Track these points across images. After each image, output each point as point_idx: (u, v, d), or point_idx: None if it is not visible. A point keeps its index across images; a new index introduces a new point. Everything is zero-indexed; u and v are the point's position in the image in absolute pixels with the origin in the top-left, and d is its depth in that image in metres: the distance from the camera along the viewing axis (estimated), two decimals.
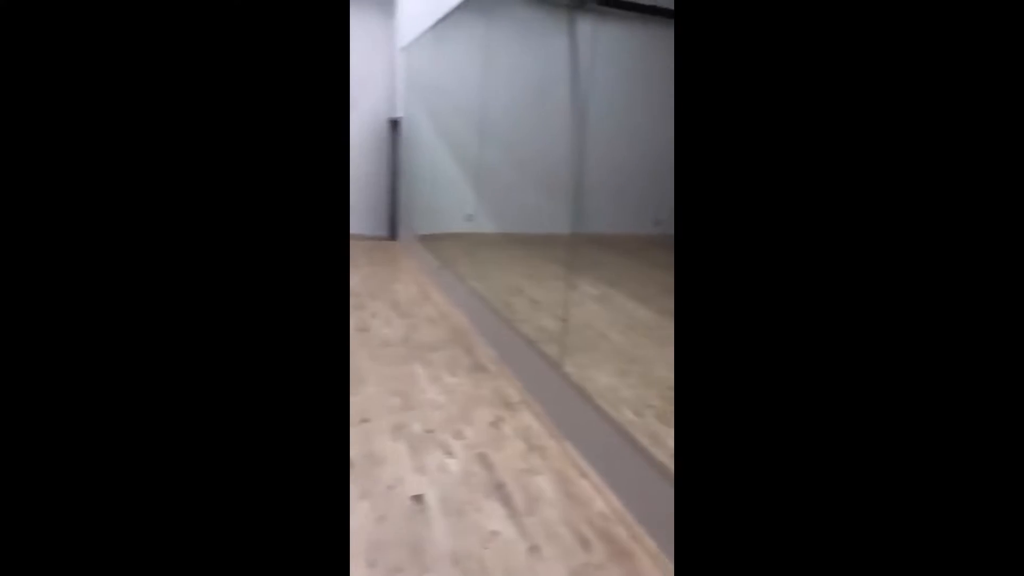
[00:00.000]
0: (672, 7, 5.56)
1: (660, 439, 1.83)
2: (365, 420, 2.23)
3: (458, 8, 4.09)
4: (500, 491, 1.83)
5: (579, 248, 5.43)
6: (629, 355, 2.63)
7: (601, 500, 1.82)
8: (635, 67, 6.36)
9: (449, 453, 2.04)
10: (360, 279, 4.42)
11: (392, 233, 5.99)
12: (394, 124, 5.64)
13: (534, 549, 1.58)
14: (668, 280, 4.02)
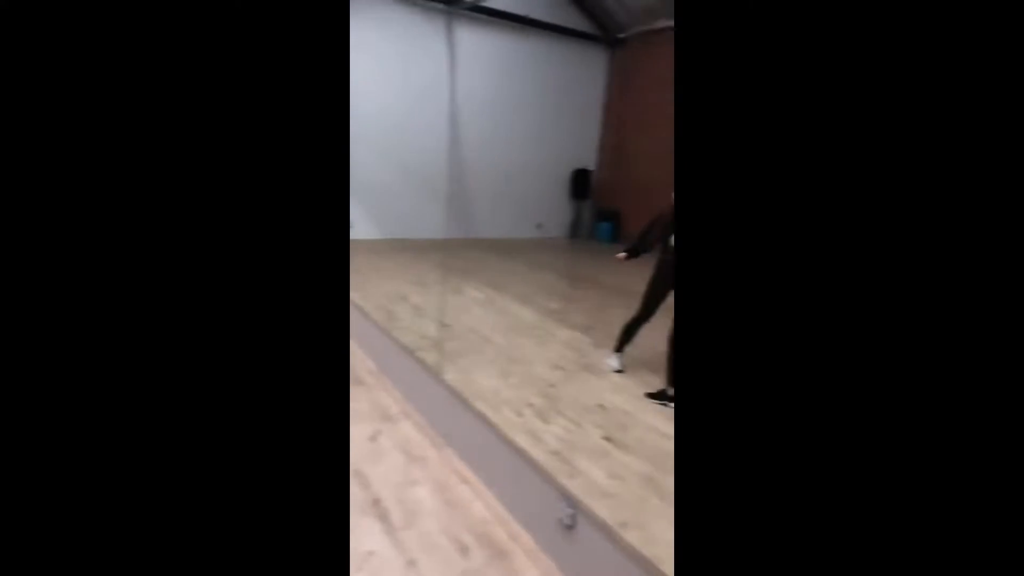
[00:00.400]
0: (536, 18, 5.68)
1: (539, 436, 1.87)
2: None
3: None
4: (377, 507, 1.75)
5: (464, 252, 5.43)
6: (511, 356, 2.66)
7: (481, 504, 1.81)
8: (515, 75, 6.52)
9: None
10: None
11: None
12: None
13: (411, 563, 1.52)
14: (549, 281, 4.17)
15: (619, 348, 2.53)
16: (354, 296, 3.45)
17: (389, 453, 2.08)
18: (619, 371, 2.52)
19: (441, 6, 5.77)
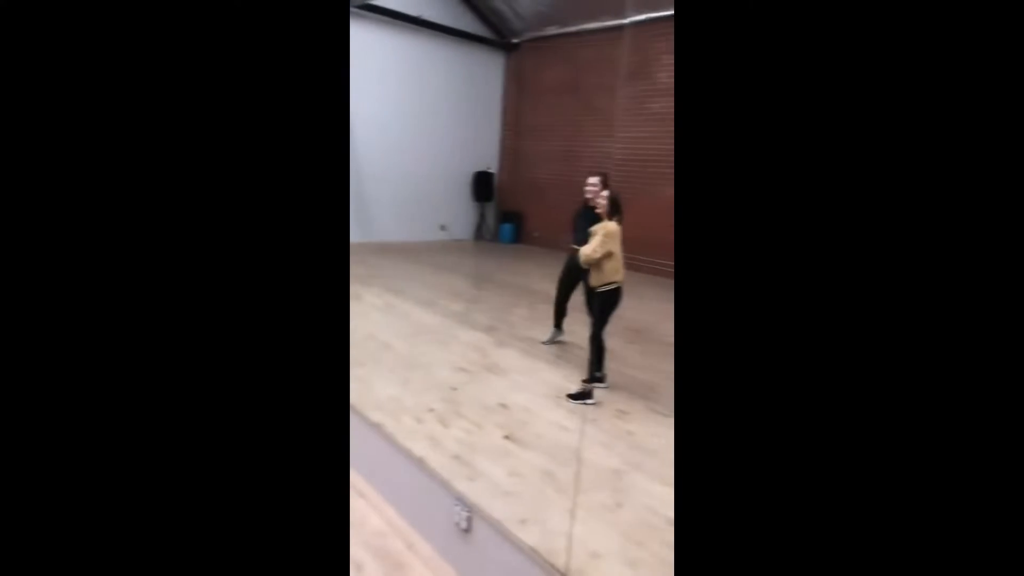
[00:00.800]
0: (438, 21, 5.62)
1: (439, 440, 1.84)
2: None
3: None
4: None
5: (364, 258, 5.25)
6: (412, 362, 2.60)
7: (377, 516, 1.75)
8: (414, 77, 6.42)
9: None
10: None
11: None
12: None
13: None
14: (452, 283, 4.11)
15: (557, 324, 2.91)
16: None
17: None
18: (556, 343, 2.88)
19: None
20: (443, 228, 6.93)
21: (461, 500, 1.49)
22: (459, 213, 7.06)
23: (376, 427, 1.92)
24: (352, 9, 5.71)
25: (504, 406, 2.16)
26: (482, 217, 7.17)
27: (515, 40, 6.84)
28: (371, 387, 2.23)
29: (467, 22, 6.57)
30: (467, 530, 1.46)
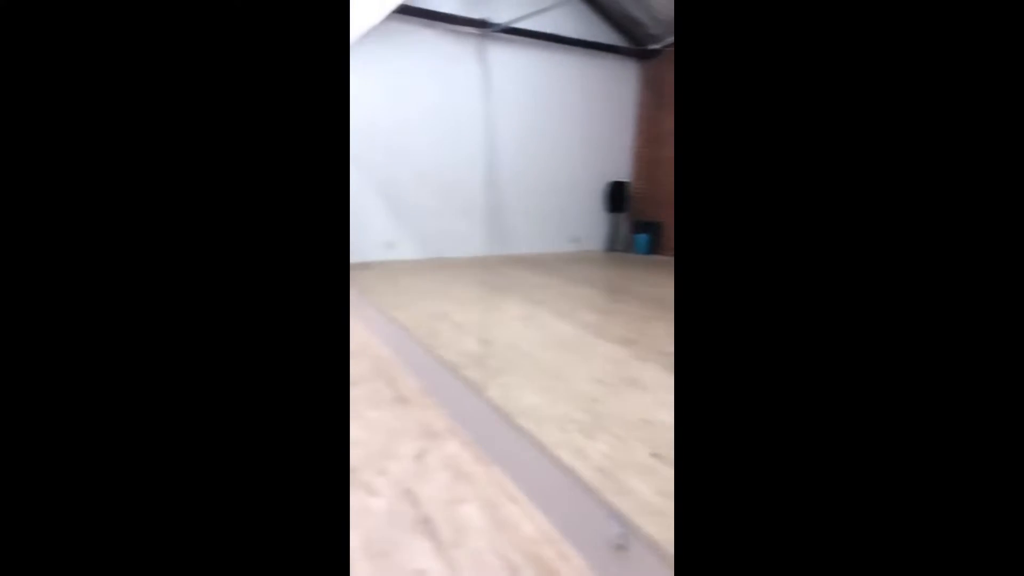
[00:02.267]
0: (567, 36, 5.77)
1: (584, 453, 1.85)
2: None
3: (361, 39, 4.06)
4: (427, 526, 1.77)
5: (502, 269, 5.46)
6: (553, 372, 2.66)
7: (529, 523, 1.81)
8: (548, 91, 6.59)
9: (372, 492, 1.95)
10: None
11: None
12: None
13: None
14: (588, 294, 4.15)
15: None
16: (398, 316, 3.53)
17: (436, 471, 2.11)
18: None
19: (473, 30, 5.91)
20: (576, 240, 6.97)
21: (614, 516, 1.49)
22: (592, 224, 7.05)
23: (524, 434, 1.99)
24: (491, 32, 6.05)
25: (647, 422, 2.11)
26: (615, 228, 7.10)
27: (652, 47, 6.70)
28: (515, 395, 2.32)
29: (601, 31, 6.58)
30: (623, 547, 1.46)
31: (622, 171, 7.08)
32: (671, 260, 6.24)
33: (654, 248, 6.68)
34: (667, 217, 6.65)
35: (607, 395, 2.38)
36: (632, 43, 6.73)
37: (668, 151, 6.65)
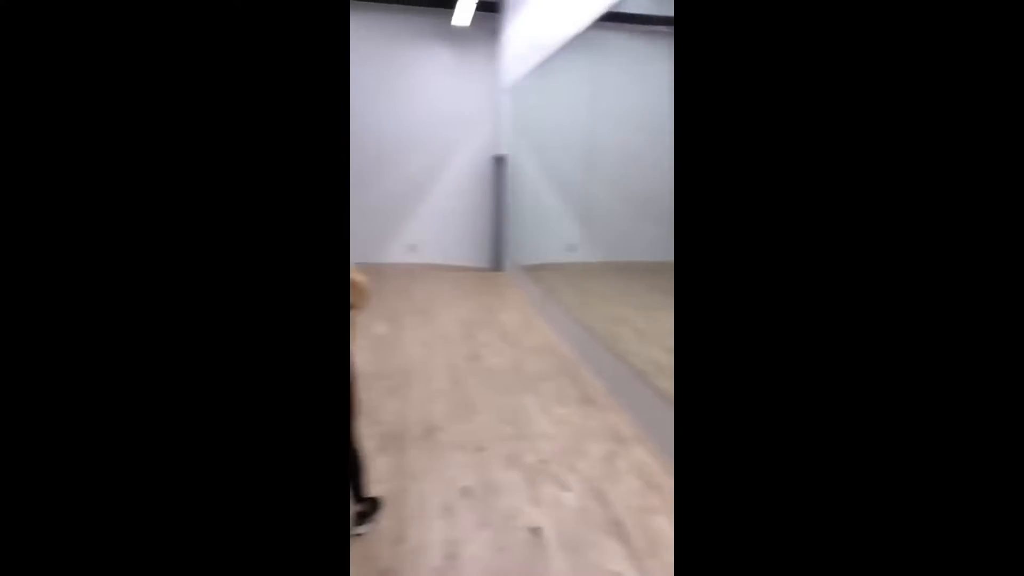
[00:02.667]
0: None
1: None
2: (480, 448, 2.30)
3: (563, 48, 4.24)
4: (618, 529, 1.79)
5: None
6: None
7: None
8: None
9: (564, 486, 2.03)
10: (468, 309, 4.59)
11: (497, 264, 6.18)
12: (498, 161, 5.88)
13: None
14: None
15: None
16: (581, 316, 3.61)
17: (625, 476, 2.12)
18: None
19: (665, 28, 5.76)
20: None
21: None
22: None
23: None
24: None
25: None
26: None
27: None
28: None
29: None
30: None
31: None
32: None
33: None
34: None
35: None
36: None
37: None
